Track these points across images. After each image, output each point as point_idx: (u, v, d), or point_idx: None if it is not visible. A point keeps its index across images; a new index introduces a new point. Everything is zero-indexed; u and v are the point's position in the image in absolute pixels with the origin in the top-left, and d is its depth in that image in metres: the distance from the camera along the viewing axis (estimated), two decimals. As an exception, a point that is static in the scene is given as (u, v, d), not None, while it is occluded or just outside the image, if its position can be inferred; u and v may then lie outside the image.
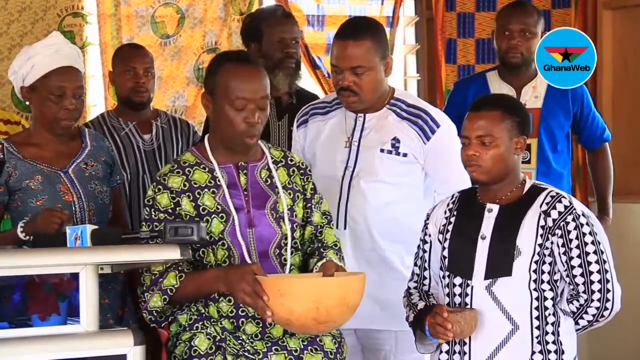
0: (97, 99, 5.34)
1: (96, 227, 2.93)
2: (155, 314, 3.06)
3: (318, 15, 5.78)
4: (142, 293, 3.06)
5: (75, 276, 2.73)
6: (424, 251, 3.34)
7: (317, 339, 3.15)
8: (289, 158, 3.28)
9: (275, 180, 3.20)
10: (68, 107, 3.53)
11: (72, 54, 3.57)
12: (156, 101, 5.18)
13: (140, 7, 5.47)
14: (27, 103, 3.62)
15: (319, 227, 3.26)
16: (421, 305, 3.26)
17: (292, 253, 3.16)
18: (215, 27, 5.60)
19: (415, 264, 3.38)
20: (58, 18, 5.27)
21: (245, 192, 3.15)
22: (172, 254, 2.76)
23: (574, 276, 3.12)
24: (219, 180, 3.13)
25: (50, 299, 2.78)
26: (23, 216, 3.41)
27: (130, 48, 4.72)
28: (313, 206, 3.25)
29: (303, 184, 3.25)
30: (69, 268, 2.73)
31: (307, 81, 5.61)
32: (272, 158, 3.24)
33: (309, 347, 3.11)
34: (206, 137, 3.23)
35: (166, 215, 3.09)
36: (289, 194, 3.20)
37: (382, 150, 3.76)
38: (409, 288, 3.37)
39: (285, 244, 3.15)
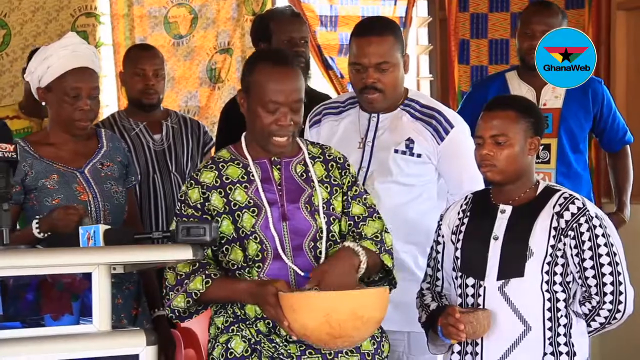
0: (110, 99, 5.36)
1: (109, 227, 2.93)
2: (177, 313, 3.08)
3: (331, 15, 5.79)
4: (166, 290, 3.08)
5: (87, 276, 2.73)
6: (437, 252, 3.34)
7: None
8: (326, 153, 3.24)
9: (311, 174, 3.17)
10: (83, 107, 3.53)
11: (87, 55, 3.57)
12: (169, 101, 5.19)
13: (153, 7, 5.49)
14: (43, 104, 3.62)
15: (356, 218, 3.18)
16: (433, 306, 3.26)
17: (329, 247, 3.12)
18: (228, 27, 5.61)
19: (428, 265, 3.38)
20: (71, 18, 5.29)
21: (279, 187, 3.13)
22: (184, 254, 2.76)
23: (586, 278, 3.12)
24: (252, 175, 3.12)
25: (63, 299, 2.78)
26: (39, 215, 3.42)
27: (140, 49, 4.71)
28: (350, 198, 3.20)
29: (342, 177, 3.22)
30: (81, 268, 2.73)
31: (319, 82, 5.62)
32: (309, 154, 3.21)
33: (344, 350, 3.07)
34: (243, 134, 3.21)
35: (194, 210, 3.09)
36: (326, 187, 3.17)
37: (396, 151, 3.75)
38: (421, 289, 3.37)
39: (321, 238, 3.12)
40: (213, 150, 4.68)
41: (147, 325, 3.65)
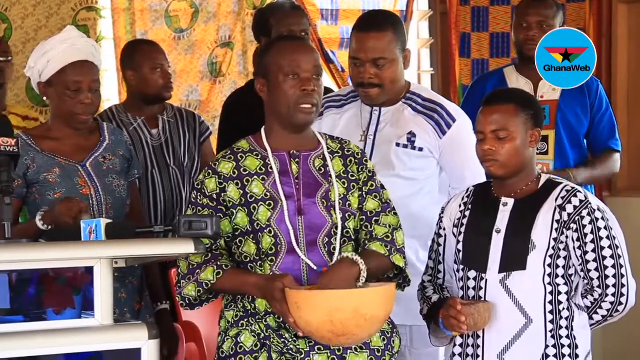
0: (111, 93, 5.35)
1: (110, 220, 2.93)
2: (188, 301, 3.09)
3: (332, 9, 5.79)
4: (178, 278, 3.09)
5: (89, 270, 2.73)
6: (438, 245, 3.34)
7: None
8: (345, 148, 3.23)
9: (329, 168, 3.15)
10: (84, 101, 3.54)
11: (87, 48, 3.57)
12: (170, 95, 5.18)
13: (154, 1, 5.49)
14: (45, 98, 3.62)
15: (368, 213, 3.16)
16: (435, 298, 3.26)
17: (343, 242, 3.11)
18: (228, 21, 5.61)
19: (430, 258, 3.38)
20: (72, 12, 5.29)
21: (297, 180, 3.12)
22: (186, 247, 2.76)
23: (588, 270, 3.12)
24: (270, 167, 3.11)
25: (64, 293, 2.79)
26: (40, 209, 3.42)
27: (152, 45, 4.65)
28: (365, 193, 3.17)
29: (359, 172, 3.20)
30: (83, 262, 2.74)
31: (321, 76, 5.61)
32: (328, 148, 3.20)
33: (353, 346, 3.05)
34: (263, 126, 3.20)
35: (209, 200, 3.09)
36: (343, 183, 3.15)
37: (397, 145, 3.75)
38: (423, 281, 3.37)
39: (336, 233, 3.11)
40: (211, 139, 4.68)
41: (150, 319, 3.66)
